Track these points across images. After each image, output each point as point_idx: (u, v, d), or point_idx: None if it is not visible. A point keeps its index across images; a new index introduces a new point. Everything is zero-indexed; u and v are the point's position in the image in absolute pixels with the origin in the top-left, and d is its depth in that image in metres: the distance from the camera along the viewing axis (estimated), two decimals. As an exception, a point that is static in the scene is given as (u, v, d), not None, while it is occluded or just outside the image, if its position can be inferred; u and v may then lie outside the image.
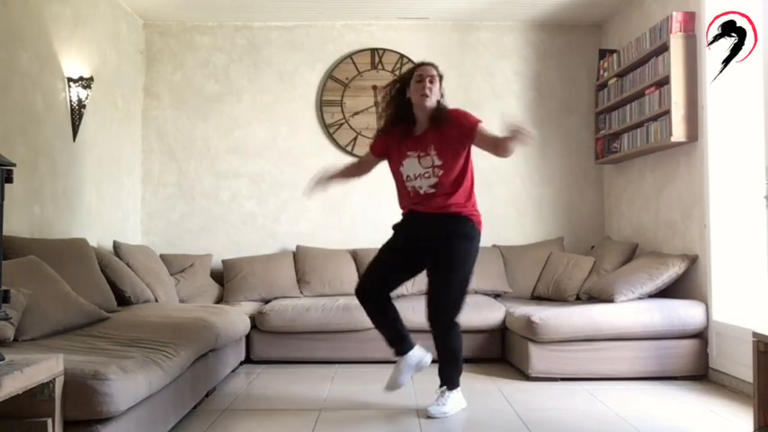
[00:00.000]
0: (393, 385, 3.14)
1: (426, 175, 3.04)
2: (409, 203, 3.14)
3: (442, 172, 3.02)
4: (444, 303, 3.05)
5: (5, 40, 3.31)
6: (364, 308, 3.19)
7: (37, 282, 2.77)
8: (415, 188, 3.08)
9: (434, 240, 3.05)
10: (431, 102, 3.05)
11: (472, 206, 3.11)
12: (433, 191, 3.04)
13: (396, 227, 3.24)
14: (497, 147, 2.94)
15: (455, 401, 3.09)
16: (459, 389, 3.14)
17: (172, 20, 5.22)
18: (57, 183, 3.81)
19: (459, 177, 3.05)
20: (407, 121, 3.12)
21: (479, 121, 3.04)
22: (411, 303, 4.33)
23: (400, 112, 3.12)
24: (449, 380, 3.12)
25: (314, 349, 4.23)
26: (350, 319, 4.19)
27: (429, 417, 2.99)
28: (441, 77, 3.13)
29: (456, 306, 3.07)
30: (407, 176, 3.09)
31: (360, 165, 3.42)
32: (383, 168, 3.29)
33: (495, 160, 5.20)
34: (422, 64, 3.16)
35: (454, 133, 3.02)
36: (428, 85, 3.04)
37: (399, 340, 3.16)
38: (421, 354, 3.16)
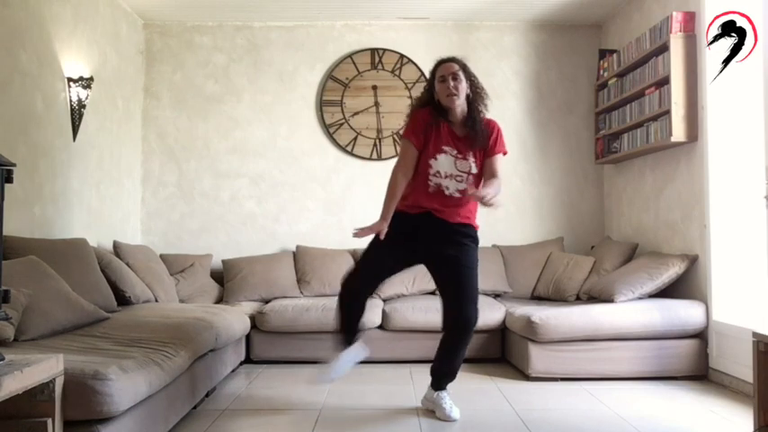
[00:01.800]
0: (326, 374, 3.03)
1: (459, 178, 2.92)
2: (426, 201, 2.94)
3: (472, 180, 2.95)
4: (473, 301, 2.99)
5: (5, 40, 3.31)
6: (344, 301, 3.03)
7: (37, 282, 2.77)
8: (440, 186, 2.92)
9: (450, 249, 2.97)
10: (459, 100, 2.91)
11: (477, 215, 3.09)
12: (459, 195, 2.93)
13: (398, 225, 2.92)
14: (489, 181, 2.92)
15: None
16: None
17: (172, 20, 5.23)
18: (57, 183, 3.81)
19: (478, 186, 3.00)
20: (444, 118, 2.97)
21: (504, 152, 3.01)
22: (411, 303, 4.35)
23: (435, 112, 2.97)
24: (447, 383, 3.11)
25: (314, 349, 4.22)
26: (350, 319, 4.19)
27: (450, 420, 2.95)
28: (467, 71, 2.96)
29: (477, 303, 3.02)
30: (437, 172, 2.92)
31: (408, 172, 2.97)
32: (384, 168, 3.25)
33: (496, 160, 5.25)
34: (442, 61, 2.98)
35: (485, 145, 2.95)
36: (452, 83, 2.89)
37: (354, 333, 3.09)
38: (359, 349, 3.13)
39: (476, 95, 2.98)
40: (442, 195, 2.93)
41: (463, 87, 2.92)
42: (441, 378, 3.10)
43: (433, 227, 2.95)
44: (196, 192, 5.23)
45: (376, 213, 2.95)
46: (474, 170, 2.95)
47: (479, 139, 2.94)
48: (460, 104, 2.93)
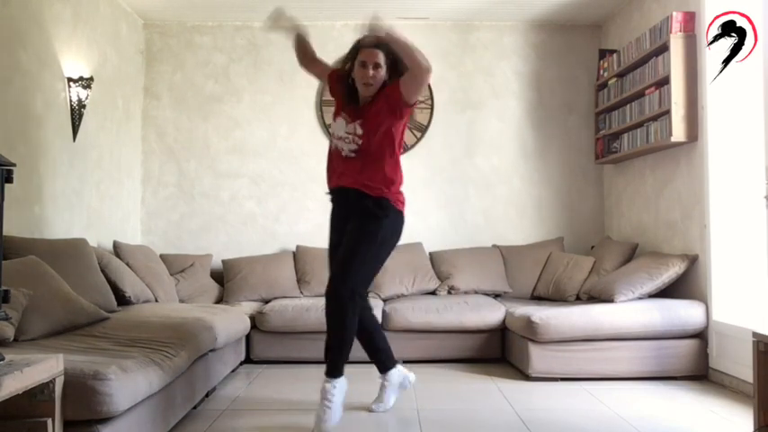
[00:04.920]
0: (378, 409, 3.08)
1: (347, 140, 2.92)
2: (331, 170, 3.04)
3: (362, 141, 2.90)
4: (345, 270, 2.90)
5: (5, 40, 3.31)
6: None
7: (37, 282, 2.77)
8: (338, 148, 2.98)
9: (352, 214, 2.98)
10: (374, 90, 2.89)
11: (396, 192, 2.96)
12: (353, 155, 2.92)
13: (333, 206, 3.16)
14: (411, 67, 2.78)
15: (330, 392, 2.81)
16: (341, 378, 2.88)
17: (172, 20, 5.22)
18: (57, 183, 3.81)
19: (379, 150, 2.90)
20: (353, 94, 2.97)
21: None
22: (411, 303, 4.35)
23: (348, 86, 2.97)
24: (332, 365, 2.89)
25: (314, 349, 4.19)
26: (350, 319, 4.18)
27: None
28: (390, 56, 2.85)
29: (356, 277, 2.90)
30: (333, 133, 3.02)
31: (313, 60, 3.30)
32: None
33: (496, 161, 5.26)
34: (366, 45, 2.88)
35: (384, 106, 2.87)
36: (371, 72, 2.85)
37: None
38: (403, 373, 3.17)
39: (393, 75, 2.89)
40: (341, 158, 2.95)
41: (381, 75, 2.88)
42: (326, 356, 2.94)
43: (345, 198, 3.01)
44: (196, 192, 5.23)
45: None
46: (359, 131, 2.89)
47: (375, 101, 2.89)
48: (372, 94, 2.90)
